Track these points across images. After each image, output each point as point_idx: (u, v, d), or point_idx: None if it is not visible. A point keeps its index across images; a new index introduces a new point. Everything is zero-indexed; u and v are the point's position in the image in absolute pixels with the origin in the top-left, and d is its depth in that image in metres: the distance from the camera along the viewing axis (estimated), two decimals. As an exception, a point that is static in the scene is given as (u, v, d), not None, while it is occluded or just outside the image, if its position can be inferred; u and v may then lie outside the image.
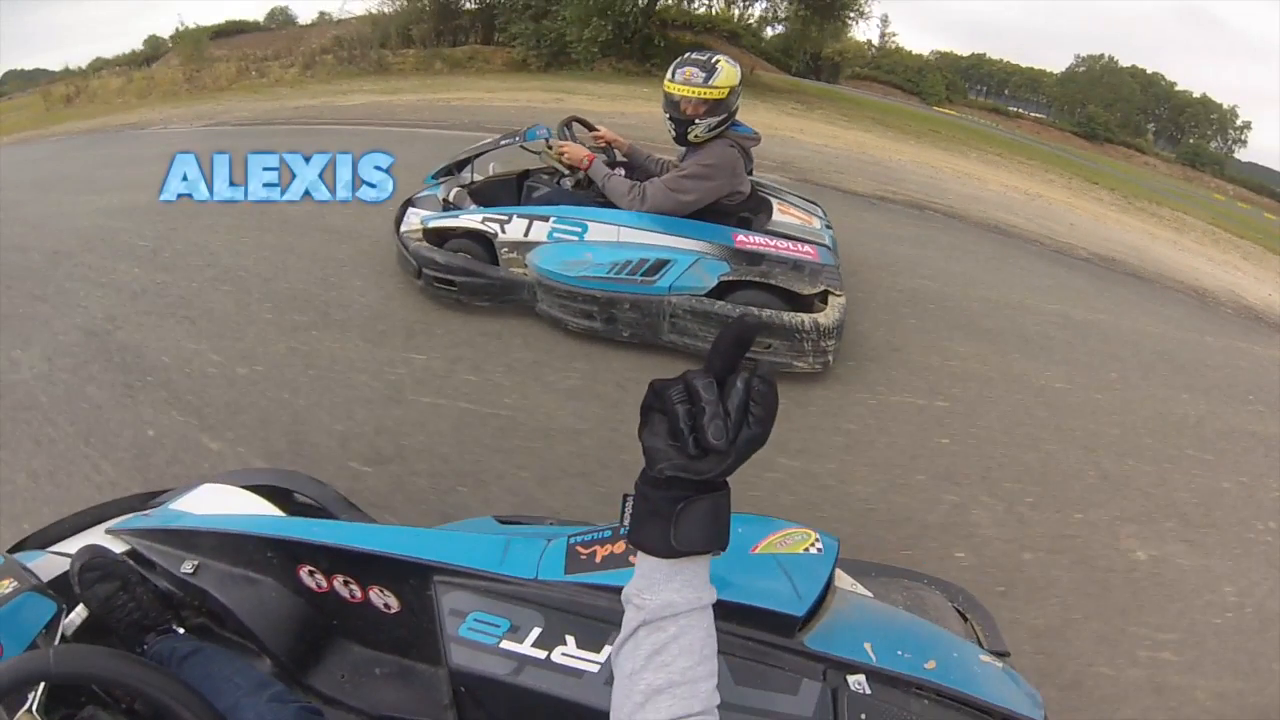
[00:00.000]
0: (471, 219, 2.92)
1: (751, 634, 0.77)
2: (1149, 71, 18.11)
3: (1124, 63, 18.21)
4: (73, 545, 1.16)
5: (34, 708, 0.71)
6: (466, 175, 3.39)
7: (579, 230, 2.74)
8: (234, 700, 0.84)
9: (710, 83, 2.51)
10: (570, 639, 0.76)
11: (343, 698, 1.02)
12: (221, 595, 1.06)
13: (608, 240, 2.71)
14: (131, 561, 1.10)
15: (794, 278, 2.68)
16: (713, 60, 2.57)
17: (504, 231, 2.84)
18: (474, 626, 0.80)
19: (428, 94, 10.17)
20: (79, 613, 0.97)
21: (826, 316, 2.59)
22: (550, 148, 2.97)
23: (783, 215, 2.96)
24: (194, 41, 14.61)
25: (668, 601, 0.57)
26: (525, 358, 2.74)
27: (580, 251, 2.70)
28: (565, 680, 0.74)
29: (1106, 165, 14.05)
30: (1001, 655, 1.03)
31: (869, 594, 1.09)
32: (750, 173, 2.88)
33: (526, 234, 2.80)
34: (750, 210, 2.83)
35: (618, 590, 0.68)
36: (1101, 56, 19.27)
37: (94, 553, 1.00)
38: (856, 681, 0.77)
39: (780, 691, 0.74)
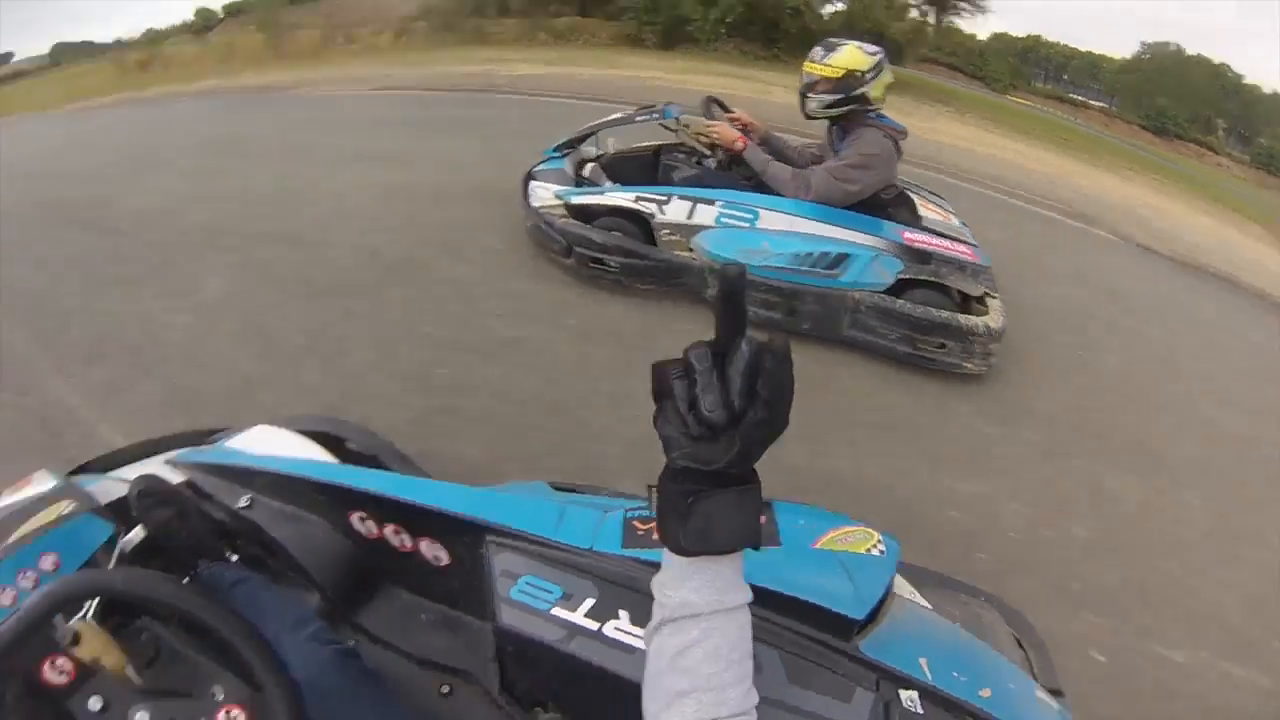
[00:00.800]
0: (623, 197, 2.77)
1: (808, 632, 0.74)
2: (1215, 61, 17.29)
3: (1189, 50, 17.44)
4: (132, 473, 1.17)
5: (88, 615, 0.73)
6: (590, 149, 3.27)
7: (750, 217, 2.57)
8: (274, 633, 0.83)
9: (825, 60, 2.48)
10: (624, 614, 0.74)
11: (390, 638, 1.02)
12: (273, 530, 1.07)
13: (780, 229, 2.53)
14: (188, 491, 1.12)
15: (961, 278, 2.56)
16: (840, 43, 2.51)
17: (663, 212, 2.68)
18: (525, 590, 0.79)
19: (575, 67, 9.82)
20: (137, 534, 0.98)
21: (995, 320, 2.48)
22: (685, 126, 2.90)
23: (924, 211, 2.80)
24: (269, 7, 14.52)
25: (685, 601, 0.54)
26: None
27: (757, 240, 2.54)
28: (616, 654, 0.72)
29: (1186, 166, 13.41)
30: (1056, 694, 0.97)
31: (927, 605, 1.05)
32: None
33: (690, 216, 2.64)
34: (896, 205, 2.67)
35: None
36: (1168, 44, 18.47)
37: (151, 480, 1.01)
38: (909, 698, 0.74)
39: (833, 697, 0.72)
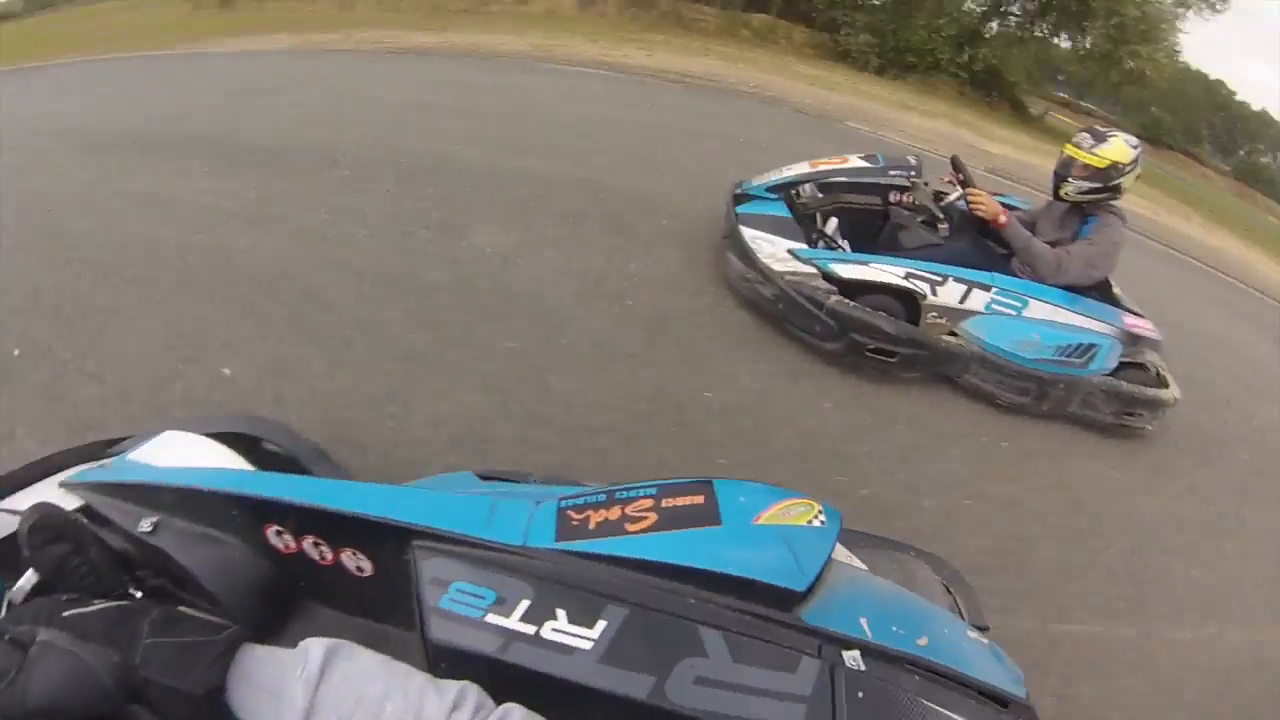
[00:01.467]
0: (891, 272, 2.78)
1: (750, 608, 0.75)
2: (1211, 77, 18.14)
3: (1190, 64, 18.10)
4: (24, 500, 1.07)
5: None
6: (804, 192, 3.15)
7: (1019, 305, 2.85)
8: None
9: (1093, 150, 2.65)
10: (561, 613, 0.72)
11: None
12: (181, 556, 0.96)
13: (1044, 318, 2.85)
14: (85, 520, 0.99)
15: (1157, 356, 3.07)
16: (1109, 133, 2.73)
17: (935, 294, 2.81)
18: (456, 598, 0.75)
19: (782, 78, 9.32)
20: (28, 579, 0.89)
21: (1178, 390, 3.00)
22: (923, 184, 3.08)
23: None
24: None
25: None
26: (951, 428, 2.85)
27: (1028, 330, 2.85)
28: (555, 657, 0.70)
29: (1178, 177, 14.27)
30: (982, 630, 1.04)
31: (863, 566, 1.08)
32: None
33: (963, 300, 2.82)
34: (1103, 286, 3.01)
35: (612, 560, 0.70)
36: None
37: (44, 511, 0.89)
38: (852, 657, 0.76)
39: (779, 669, 0.72)
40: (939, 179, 3.22)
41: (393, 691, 0.58)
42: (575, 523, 0.79)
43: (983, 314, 2.85)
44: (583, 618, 0.69)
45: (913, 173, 3.15)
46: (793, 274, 2.82)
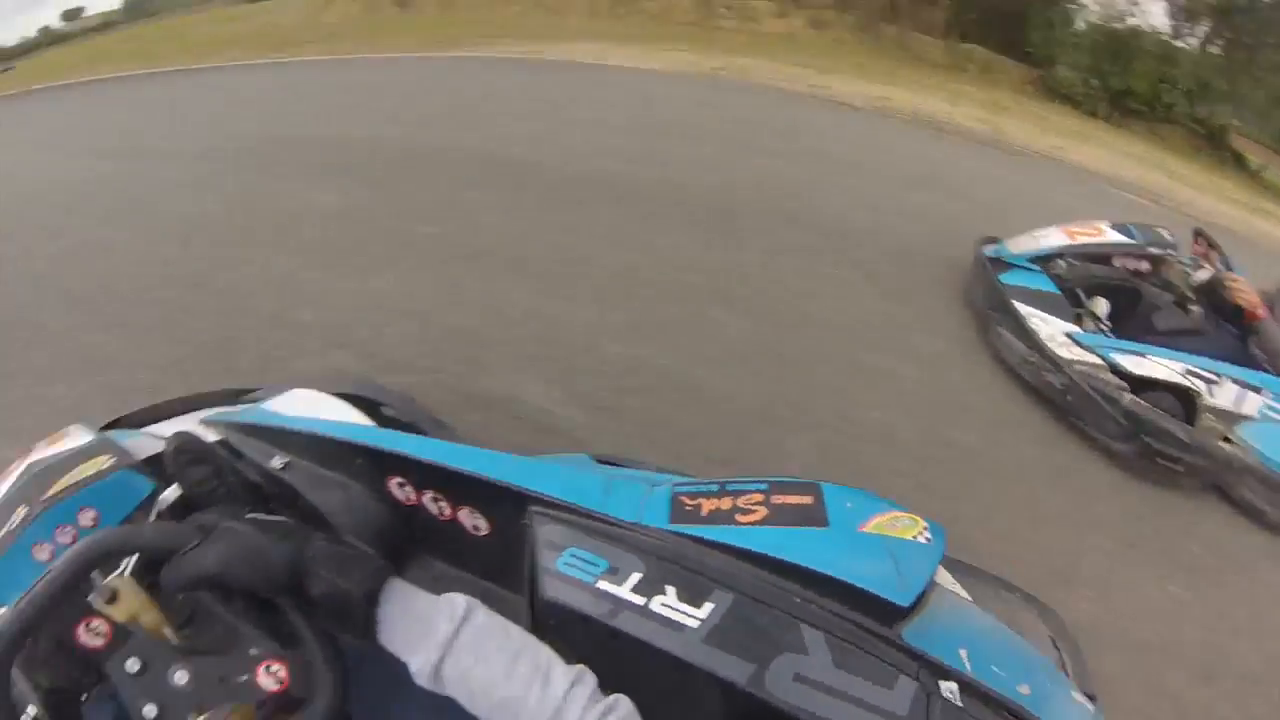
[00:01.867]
0: (1170, 368, 2.73)
1: (851, 615, 0.73)
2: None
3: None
4: (168, 429, 1.16)
5: (125, 572, 0.71)
6: (1060, 265, 3.16)
7: None
8: None
9: None
10: (670, 590, 0.73)
11: None
12: (309, 494, 1.03)
13: None
14: (222, 452, 1.07)
15: None
16: None
17: (1211, 395, 2.74)
18: (570, 562, 0.77)
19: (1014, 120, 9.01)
20: (173, 491, 0.96)
21: None
22: (1176, 260, 2.95)
23: None
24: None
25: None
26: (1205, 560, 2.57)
27: None
28: (663, 631, 0.71)
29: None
30: (1090, 698, 0.98)
31: (968, 596, 1.05)
32: None
33: (1238, 404, 2.75)
34: None
35: (722, 547, 0.72)
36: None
37: (187, 437, 0.96)
38: (949, 689, 0.73)
39: (876, 683, 0.70)
40: (1197, 254, 3.14)
41: (525, 652, 0.59)
42: (688, 508, 0.80)
43: (1257, 420, 2.78)
44: (691, 598, 0.70)
45: (1170, 250, 3.09)
46: (1081, 364, 2.76)
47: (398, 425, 1.35)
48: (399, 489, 1.00)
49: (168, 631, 0.68)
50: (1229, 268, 3.01)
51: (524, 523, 0.83)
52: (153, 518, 0.89)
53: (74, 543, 0.84)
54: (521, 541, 0.83)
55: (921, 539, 0.81)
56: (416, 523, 1.01)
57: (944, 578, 0.94)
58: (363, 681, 0.70)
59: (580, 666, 0.59)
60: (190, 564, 0.63)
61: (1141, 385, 2.75)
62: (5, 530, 0.89)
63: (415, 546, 1.05)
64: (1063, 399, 2.86)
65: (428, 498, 0.97)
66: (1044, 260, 3.15)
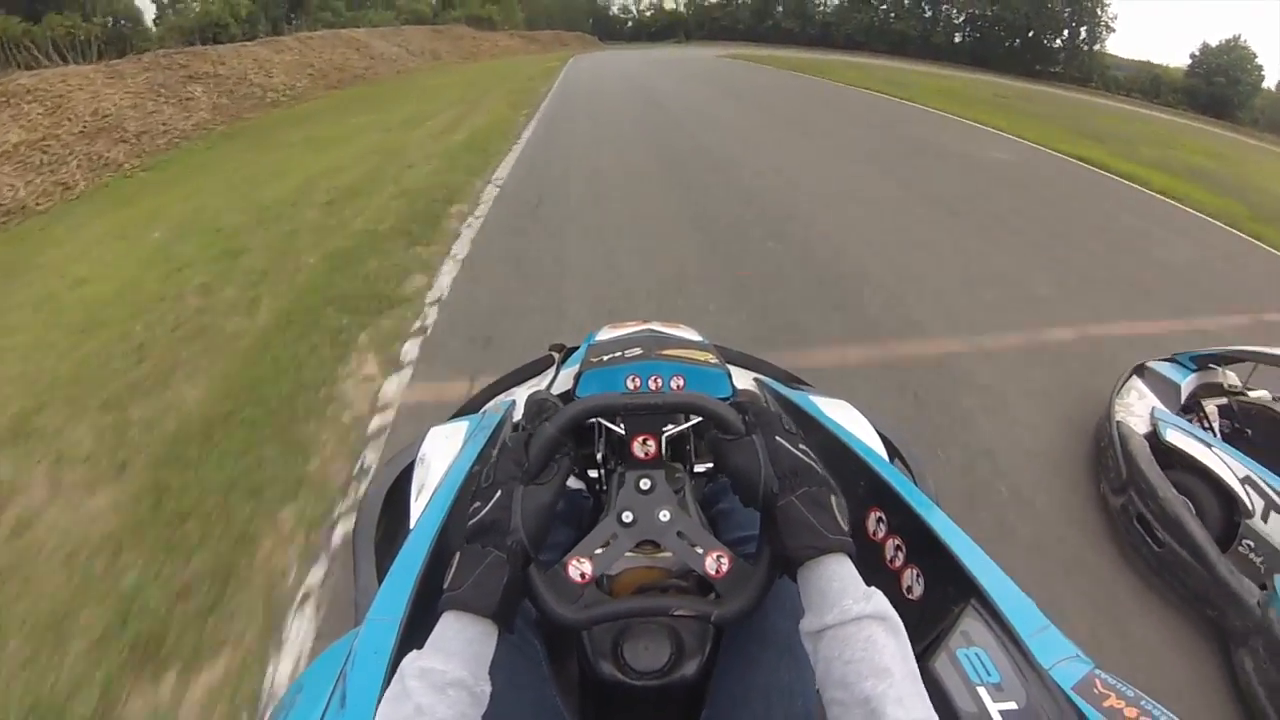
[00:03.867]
0: (1227, 464, 2.10)
1: None
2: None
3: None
4: (736, 373, 1.32)
5: (666, 434, 0.87)
6: (1232, 376, 2.58)
7: None
8: None
9: None
10: None
11: None
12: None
13: None
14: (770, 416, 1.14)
15: None
16: None
17: (1265, 519, 1.96)
18: (971, 658, 0.79)
19: None
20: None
21: None
22: None
23: None
24: None
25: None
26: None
27: None
28: None
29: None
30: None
31: None
32: None
33: None
34: None
35: None
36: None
37: (754, 401, 1.05)
38: None
39: None
40: None
41: (886, 678, 0.56)
42: (1096, 691, 0.75)
43: None
44: None
45: None
46: (1125, 424, 2.47)
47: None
48: (875, 522, 1.02)
49: (665, 483, 0.82)
50: None
51: (954, 607, 0.84)
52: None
53: (657, 390, 1.10)
54: (939, 620, 0.84)
55: None
56: (865, 556, 0.98)
57: None
58: (753, 642, 0.82)
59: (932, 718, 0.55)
60: (719, 445, 0.75)
61: (1183, 467, 2.25)
62: (620, 354, 1.15)
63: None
64: (1096, 438, 2.70)
65: (892, 543, 0.99)
66: (1205, 364, 2.64)
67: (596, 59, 25.01)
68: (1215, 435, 2.36)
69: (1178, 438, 2.28)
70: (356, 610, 0.86)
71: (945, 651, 0.78)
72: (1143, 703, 0.73)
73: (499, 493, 0.68)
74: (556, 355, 1.45)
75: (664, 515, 0.77)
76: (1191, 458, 2.20)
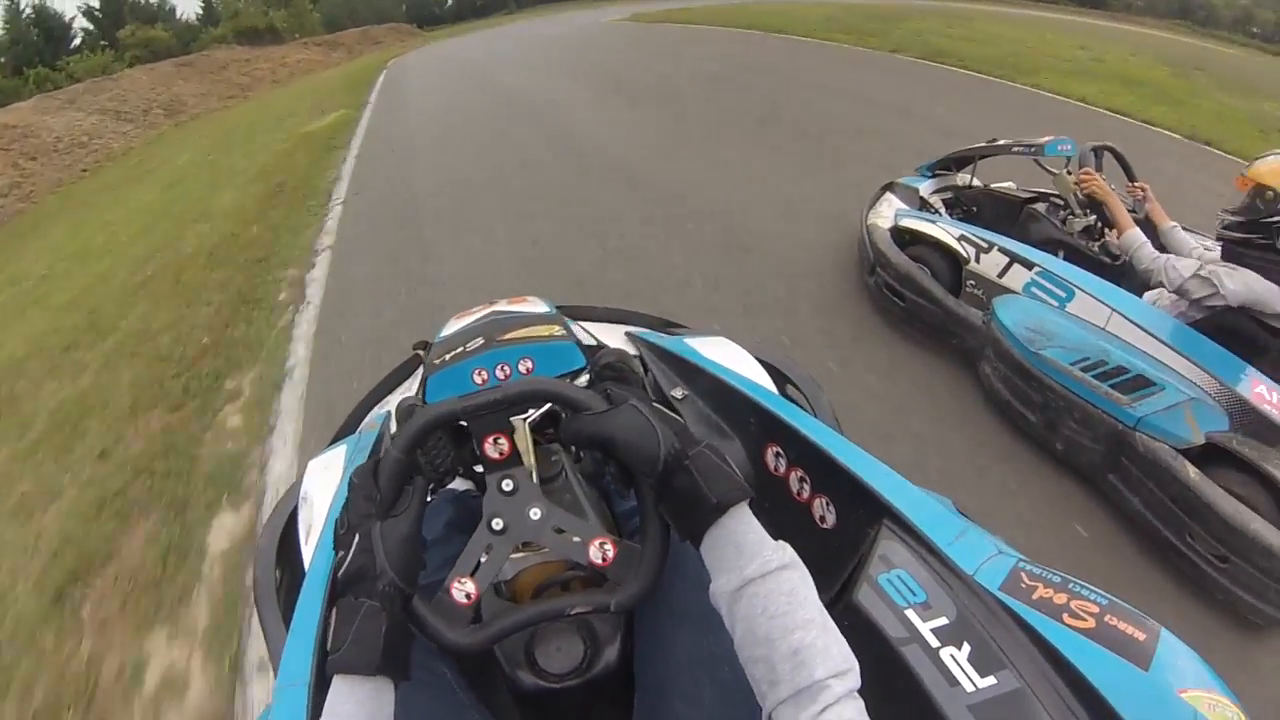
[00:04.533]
0: (948, 231, 2.64)
1: None
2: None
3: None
4: (598, 330, 1.32)
5: (527, 419, 0.79)
6: (966, 176, 3.12)
7: (1063, 296, 2.19)
8: None
9: (1246, 169, 1.91)
10: (966, 647, 0.70)
11: None
12: (693, 429, 1.07)
13: (1091, 320, 2.11)
14: (641, 372, 1.14)
15: None
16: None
17: (978, 261, 2.49)
18: (893, 580, 0.77)
19: None
20: (583, 380, 1.04)
21: None
22: (1069, 172, 2.49)
23: None
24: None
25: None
26: (923, 429, 2.35)
27: (1054, 322, 2.16)
28: (939, 678, 0.68)
29: None
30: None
31: None
32: None
33: (1001, 274, 2.39)
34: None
35: (1034, 636, 0.69)
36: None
37: (620, 356, 1.05)
38: None
39: None
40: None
41: (810, 627, 0.57)
42: (1023, 585, 0.75)
43: (1017, 294, 2.32)
44: (981, 664, 0.68)
45: (1034, 150, 2.62)
46: (874, 225, 2.99)
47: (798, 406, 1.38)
48: (774, 457, 1.03)
49: (535, 478, 0.77)
50: (1131, 179, 2.49)
51: (869, 530, 0.85)
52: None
53: (505, 379, 1.02)
54: (855, 548, 0.84)
55: None
56: (772, 492, 1.03)
57: None
58: (665, 618, 0.80)
59: (852, 664, 0.56)
60: (591, 423, 0.68)
61: (917, 241, 2.80)
62: (461, 349, 1.08)
63: (760, 512, 1.01)
64: (858, 247, 3.19)
65: (795, 475, 0.99)
66: (943, 170, 3.17)
67: (425, 59, 16.37)
68: (944, 217, 2.89)
69: (910, 222, 2.84)
70: (273, 669, 0.79)
71: (866, 581, 0.78)
72: (1071, 585, 0.74)
73: (357, 536, 0.64)
74: (422, 354, 1.35)
75: (534, 513, 0.74)
76: (921, 233, 2.76)
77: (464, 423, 0.77)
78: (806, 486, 0.98)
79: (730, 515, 0.65)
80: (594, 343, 1.30)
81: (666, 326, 1.51)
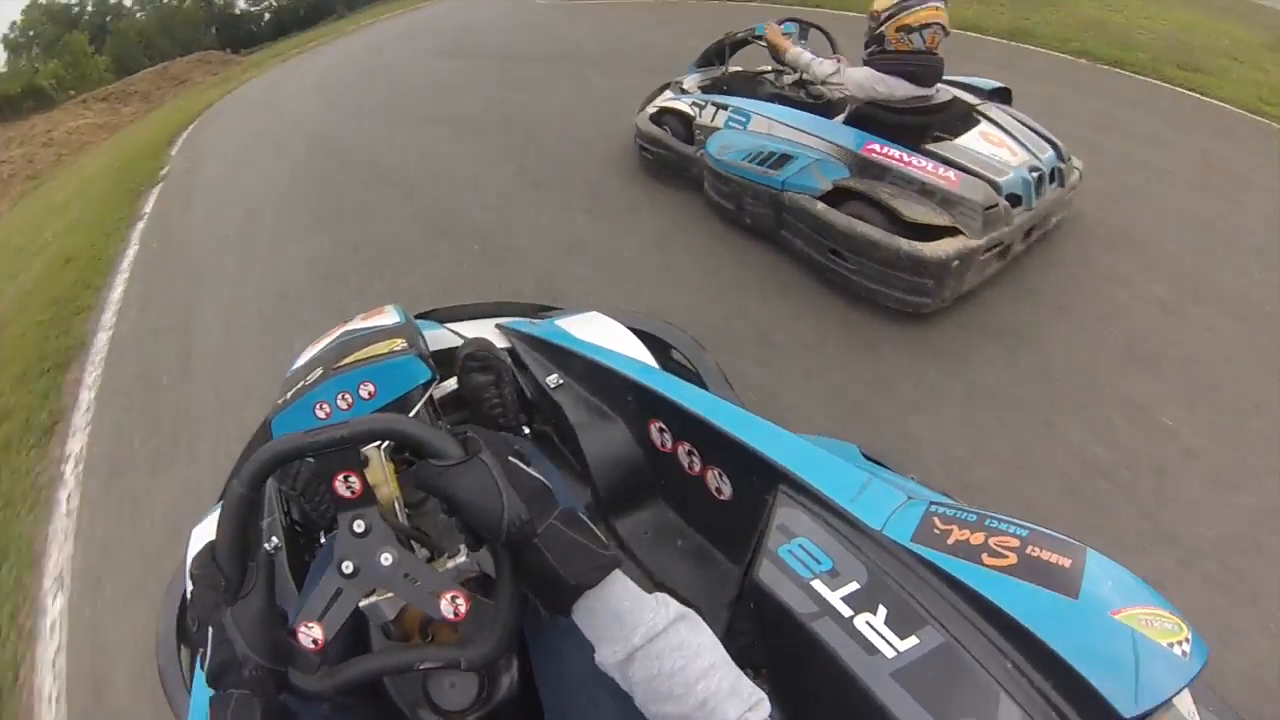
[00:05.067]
0: (683, 103, 3.47)
1: (1063, 706, 0.63)
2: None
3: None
4: (467, 329, 1.29)
5: (381, 446, 0.77)
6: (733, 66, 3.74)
7: (743, 120, 3.06)
8: None
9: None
10: (882, 610, 0.68)
11: (636, 551, 1.00)
12: (572, 416, 1.07)
13: (760, 131, 2.96)
14: (510, 361, 1.15)
15: (910, 200, 2.49)
16: None
17: (700, 116, 3.33)
18: (795, 551, 0.74)
19: None
20: (450, 385, 1.05)
21: (932, 250, 2.35)
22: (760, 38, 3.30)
23: (981, 142, 2.68)
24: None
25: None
26: (670, 231, 3.29)
27: (736, 137, 3.03)
28: (856, 650, 0.66)
29: None
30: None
31: None
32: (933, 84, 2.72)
33: (713, 120, 3.24)
34: (930, 126, 2.68)
35: (953, 582, 0.66)
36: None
37: (481, 345, 1.03)
38: None
39: None
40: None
41: (712, 673, 0.56)
42: (936, 531, 0.72)
43: (721, 129, 3.16)
44: (899, 625, 0.65)
45: (749, 32, 3.40)
46: (649, 110, 3.81)
47: (682, 373, 1.34)
48: (658, 433, 1.01)
49: (398, 506, 0.76)
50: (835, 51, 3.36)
51: (766, 497, 0.82)
52: (417, 409, 0.95)
53: (349, 409, 0.94)
54: (759, 516, 0.81)
55: (1178, 650, 0.65)
56: (663, 469, 1.02)
57: (1184, 704, 0.72)
58: (557, 635, 0.74)
59: (760, 695, 0.56)
60: (437, 476, 0.64)
61: (667, 115, 3.65)
62: (301, 384, 1.00)
63: (655, 490, 1.06)
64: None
65: (683, 449, 0.97)
66: (706, 65, 3.86)
67: (246, 109, 9.99)
68: (691, 95, 3.64)
69: (662, 102, 3.65)
70: None
71: (766, 556, 0.74)
72: (988, 521, 0.72)
73: (210, 630, 0.62)
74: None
75: (385, 559, 0.68)
76: (668, 108, 3.58)
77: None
78: (696, 460, 0.95)
79: (600, 587, 0.62)
80: (460, 343, 1.25)
81: (539, 311, 1.51)
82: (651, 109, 3.79)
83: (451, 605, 0.65)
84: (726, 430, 0.88)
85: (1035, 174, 2.62)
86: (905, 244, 2.38)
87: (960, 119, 2.76)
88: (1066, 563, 0.68)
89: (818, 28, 3.39)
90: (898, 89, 2.66)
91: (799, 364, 2.42)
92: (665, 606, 0.61)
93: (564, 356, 1.15)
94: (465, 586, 0.67)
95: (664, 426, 1.00)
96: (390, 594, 0.69)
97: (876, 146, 2.65)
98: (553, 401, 1.10)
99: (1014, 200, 2.56)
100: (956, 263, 2.36)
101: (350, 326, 1.15)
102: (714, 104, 3.25)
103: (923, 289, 2.42)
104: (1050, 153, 2.75)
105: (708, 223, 3.26)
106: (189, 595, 0.68)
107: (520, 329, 1.27)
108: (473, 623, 0.65)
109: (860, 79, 2.70)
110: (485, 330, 1.31)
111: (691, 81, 3.85)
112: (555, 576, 0.61)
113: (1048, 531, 0.71)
